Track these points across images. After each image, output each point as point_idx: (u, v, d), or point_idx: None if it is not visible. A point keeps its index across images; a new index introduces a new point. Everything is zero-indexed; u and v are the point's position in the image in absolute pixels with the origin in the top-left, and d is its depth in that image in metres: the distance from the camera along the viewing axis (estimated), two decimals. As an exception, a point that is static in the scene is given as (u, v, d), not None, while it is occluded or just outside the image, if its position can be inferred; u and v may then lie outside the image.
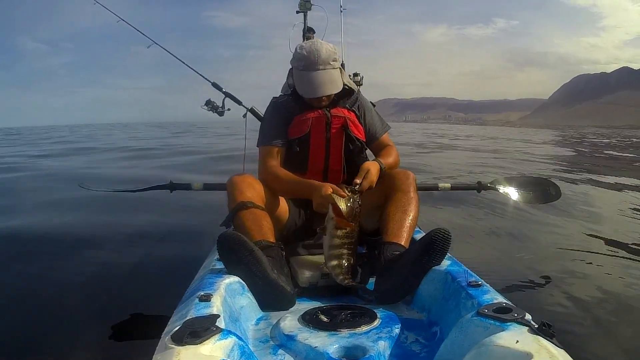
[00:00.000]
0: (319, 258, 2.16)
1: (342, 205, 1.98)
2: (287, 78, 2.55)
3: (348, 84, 2.48)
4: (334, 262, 1.99)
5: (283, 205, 2.36)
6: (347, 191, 2.03)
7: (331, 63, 2.30)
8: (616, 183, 8.49)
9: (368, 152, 2.57)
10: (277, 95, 2.62)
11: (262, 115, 3.13)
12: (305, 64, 2.30)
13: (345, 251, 2.00)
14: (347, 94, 2.49)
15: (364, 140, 2.49)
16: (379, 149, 2.51)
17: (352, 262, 2.01)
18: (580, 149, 21.47)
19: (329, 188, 2.04)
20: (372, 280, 2.03)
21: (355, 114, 2.47)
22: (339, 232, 2.00)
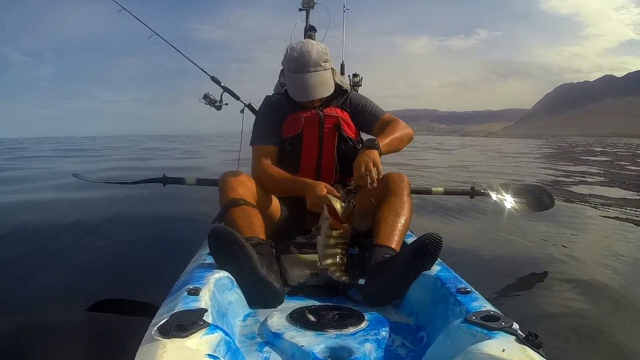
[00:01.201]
0: (310, 257, 2.16)
1: (338, 206, 1.98)
2: (280, 77, 2.54)
3: (341, 83, 2.47)
4: (329, 261, 2.00)
5: (275, 203, 2.36)
6: (342, 192, 2.04)
7: (322, 64, 2.29)
8: (606, 192, 8.54)
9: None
10: (270, 94, 2.61)
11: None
12: (296, 66, 2.28)
13: (339, 250, 2.02)
14: (340, 94, 2.48)
15: (357, 140, 2.49)
16: (383, 128, 2.42)
17: (344, 260, 2.03)
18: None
19: (324, 188, 2.04)
20: (361, 281, 2.04)
21: (348, 113, 2.46)
22: (334, 233, 2.01)
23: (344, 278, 1.97)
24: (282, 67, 2.44)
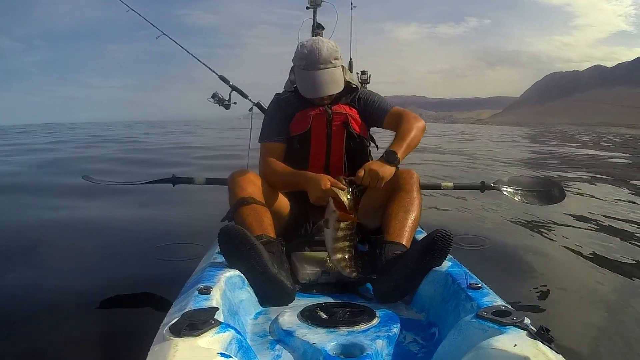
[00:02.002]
0: (320, 254, 2.16)
1: (345, 198, 1.98)
2: (290, 74, 2.55)
3: (351, 81, 2.47)
4: (339, 256, 2.00)
5: (283, 201, 2.37)
6: (345, 183, 2.03)
7: (332, 62, 2.29)
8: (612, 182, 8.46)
9: (373, 151, 2.54)
10: (280, 92, 2.62)
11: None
12: (306, 63, 2.29)
13: (347, 243, 2.02)
14: (349, 91, 2.48)
15: (365, 136, 2.49)
16: (393, 121, 2.39)
17: (353, 253, 2.03)
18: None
19: (327, 181, 2.04)
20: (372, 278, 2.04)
21: (357, 110, 2.46)
22: (342, 225, 2.01)
23: (354, 274, 1.99)
24: (292, 65, 2.45)
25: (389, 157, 2.15)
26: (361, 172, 2.07)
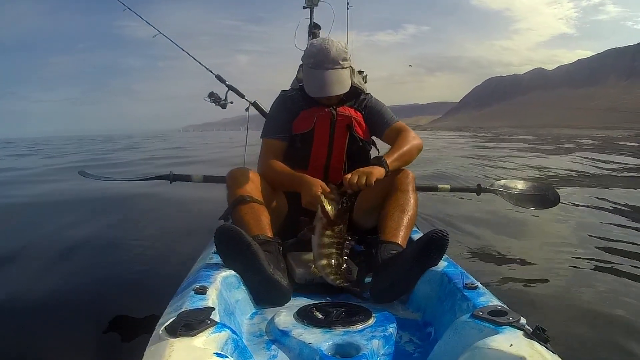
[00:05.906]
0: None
1: (330, 207, 1.98)
2: (297, 72, 2.56)
3: (359, 84, 2.47)
4: (324, 262, 1.99)
5: (282, 200, 2.36)
6: (335, 192, 2.02)
7: (340, 62, 2.29)
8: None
9: (373, 153, 2.54)
10: (286, 89, 2.62)
11: (264, 110, 3.14)
12: (314, 62, 2.29)
13: (334, 250, 2.00)
14: (356, 94, 2.48)
15: (368, 141, 2.49)
16: (392, 136, 2.41)
17: (340, 261, 2.01)
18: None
19: (318, 188, 2.04)
20: (368, 279, 2.03)
21: (362, 115, 2.46)
22: (328, 232, 2.00)
23: (338, 281, 1.96)
24: (301, 63, 2.46)
25: (377, 161, 2.17)
26: (348, 175, 2.06)
